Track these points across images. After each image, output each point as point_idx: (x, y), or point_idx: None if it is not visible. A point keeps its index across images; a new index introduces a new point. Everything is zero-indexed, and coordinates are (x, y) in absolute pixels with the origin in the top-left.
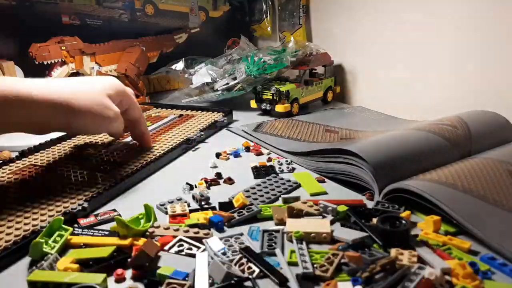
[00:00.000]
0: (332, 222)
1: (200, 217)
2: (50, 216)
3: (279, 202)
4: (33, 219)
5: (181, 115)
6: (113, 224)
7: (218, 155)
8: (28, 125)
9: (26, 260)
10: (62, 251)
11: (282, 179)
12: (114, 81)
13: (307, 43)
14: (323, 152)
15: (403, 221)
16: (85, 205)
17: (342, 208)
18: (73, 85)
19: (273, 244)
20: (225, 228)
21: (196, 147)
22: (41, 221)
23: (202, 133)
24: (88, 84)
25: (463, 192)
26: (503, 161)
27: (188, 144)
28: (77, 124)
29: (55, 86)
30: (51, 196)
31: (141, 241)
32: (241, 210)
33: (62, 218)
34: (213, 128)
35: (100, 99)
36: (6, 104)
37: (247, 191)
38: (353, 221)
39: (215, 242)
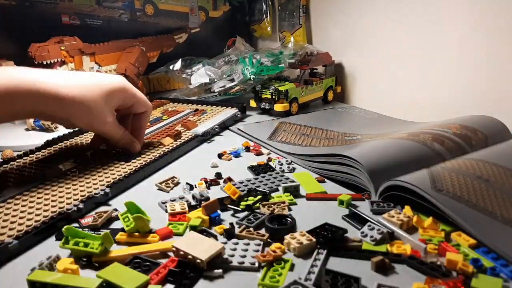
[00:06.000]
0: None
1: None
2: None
3: (280, 192)
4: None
5: (196, 110)
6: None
7: (220, 155)
8: (32, 114)
9: None
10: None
11: (278, 173)
12: (116, 81)
13: (306, 45)
14: (323, 155)
15: (289, 219)
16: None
17: (344, 197)
18: (73, 78)
19: None
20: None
21: (196, 148)
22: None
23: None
24: (87, 80)
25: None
26: (495, 164)
27: (204, 137)
28: (66, 114)
29: (50, 76)
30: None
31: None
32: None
33: (109, 232)
34: (229, 123)
35: (94, 96)
36: (11, 94)
37: (241, 182)
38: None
39: None
